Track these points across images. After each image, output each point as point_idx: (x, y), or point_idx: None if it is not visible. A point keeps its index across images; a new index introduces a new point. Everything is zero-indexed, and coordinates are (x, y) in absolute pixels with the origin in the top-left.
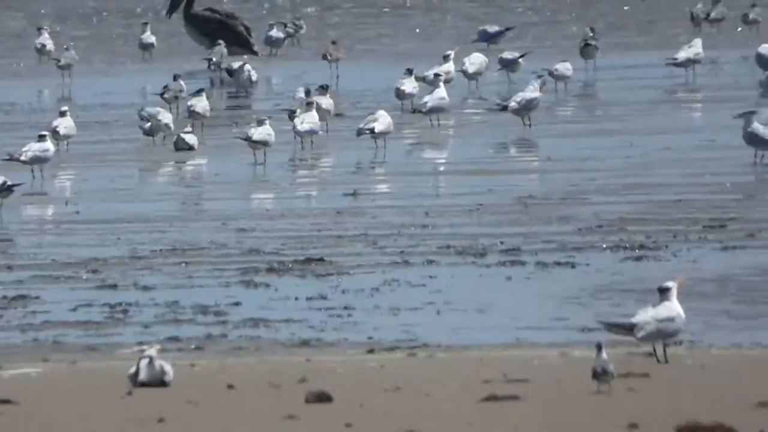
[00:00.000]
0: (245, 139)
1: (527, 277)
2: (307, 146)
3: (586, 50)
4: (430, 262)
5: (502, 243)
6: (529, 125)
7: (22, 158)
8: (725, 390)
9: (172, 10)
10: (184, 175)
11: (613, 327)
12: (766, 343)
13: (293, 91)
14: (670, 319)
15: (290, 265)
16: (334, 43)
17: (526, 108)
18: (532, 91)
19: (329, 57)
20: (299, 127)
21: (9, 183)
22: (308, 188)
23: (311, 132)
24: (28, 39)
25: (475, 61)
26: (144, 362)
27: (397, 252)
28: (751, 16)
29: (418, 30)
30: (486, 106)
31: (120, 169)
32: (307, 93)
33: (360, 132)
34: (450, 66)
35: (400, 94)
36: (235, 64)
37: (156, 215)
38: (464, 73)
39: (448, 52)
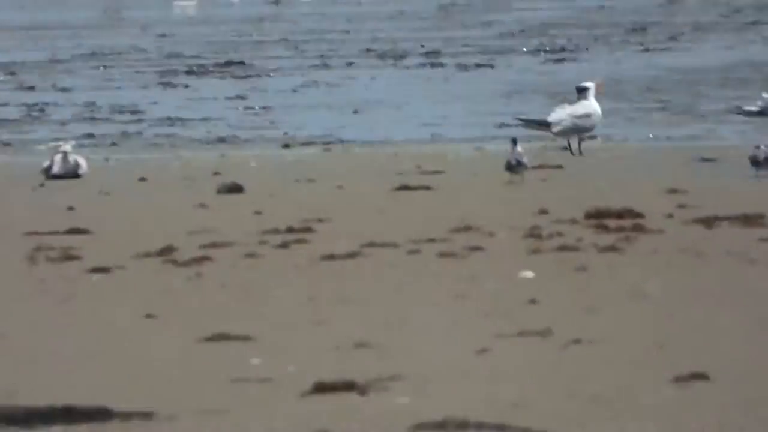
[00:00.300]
0: None
1: (446, 78)
2: None
3: None
4: (350, 64)
5: (422, 47)
6: None
7: None
8: (637, 179)
9: None
10: None
11: (529, 123)
12: (680, 136)
13: None
14: (587, 116)
15: (210, 68)
16: None
17: None
18: None
19: None
20: None
21: None
22: None
23: None
24: None
25: None
26: (58, 156)
27: (317, 56)
28: None
29: None
30: None
31: None
32: None
33: None
34: None
35: None
36: None
37: (76, 22)
38: None
39: None
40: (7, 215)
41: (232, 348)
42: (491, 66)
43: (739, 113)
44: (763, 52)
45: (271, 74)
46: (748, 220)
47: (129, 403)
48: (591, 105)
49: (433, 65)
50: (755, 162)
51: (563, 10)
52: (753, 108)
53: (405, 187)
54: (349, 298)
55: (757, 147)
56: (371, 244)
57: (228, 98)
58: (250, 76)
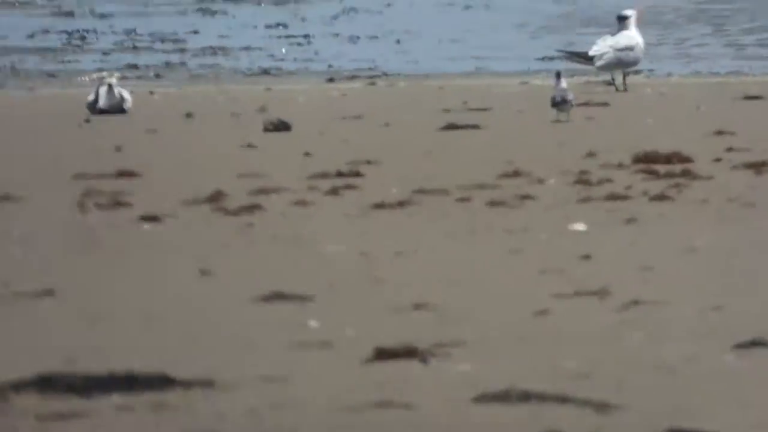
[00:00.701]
0: None
1: (487, 5)
2: None
3: None
4: None
5: None
6: None
7: None
8: (683, 119)
9: None
10: None
11: (572, 56)
12: (724, 72)
13: None
14: (629, 48)
15: None
16: None
17: None
18: None
19: None
20: None
21: None
22: None
23: None
24: None
25: None
26: (103, 89)
27: None
28: None
29: None
30: None
31: None
32: None
33: None
34: None
35: None
36: None
37: None
38: None
39: None
40: (54, 154)
41: (288, 308)
42: None
43: None
44: None
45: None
46: None
47: (188, 369)
48: (633, 36)
49: None
50: None
51: None
52: None
53: (452, 126)
54: (403, 253)
55: None
56: (421, 191)
57: (268, 26)
58: (287, 2)
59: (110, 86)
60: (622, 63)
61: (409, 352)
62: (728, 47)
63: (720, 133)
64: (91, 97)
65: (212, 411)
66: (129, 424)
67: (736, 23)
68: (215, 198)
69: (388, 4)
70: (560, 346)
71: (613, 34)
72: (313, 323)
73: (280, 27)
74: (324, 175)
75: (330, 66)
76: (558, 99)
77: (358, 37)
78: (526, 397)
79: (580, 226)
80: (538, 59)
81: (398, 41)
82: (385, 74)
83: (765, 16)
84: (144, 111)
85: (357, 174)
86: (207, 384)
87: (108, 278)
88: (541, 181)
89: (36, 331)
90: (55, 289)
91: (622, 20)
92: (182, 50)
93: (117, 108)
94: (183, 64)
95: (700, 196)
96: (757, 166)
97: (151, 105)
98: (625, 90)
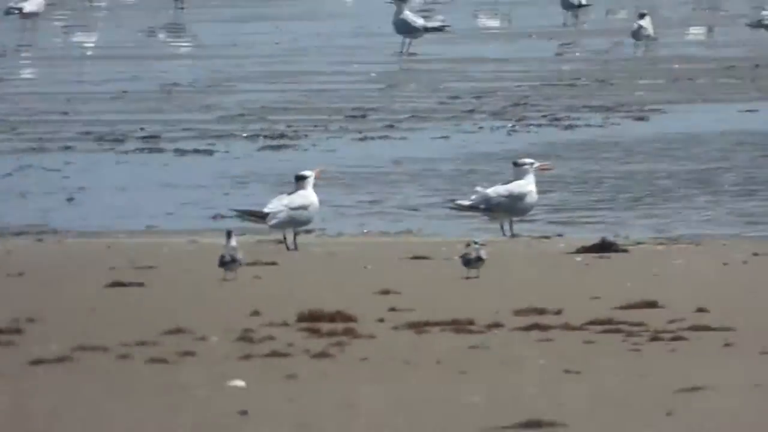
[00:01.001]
0: None
1: (165, 164)
2: None
3: None
4: (67, 148)
5: (142, 130)
6: (182, 9)
7: None
8: (350, 278)
9: None
10: None
11: (246, 215)
12: (394, 232)
13: None
14: (303, 207)
15: None
16: None
17: None
18: None
19: None
20: None
21: None
22: None
23: None
24: None
25: None
26: None
27: (34, 138)
28: None
29: None
30: None
31: None
32: None
33: (8, 11)
34: None
35: None
36: None
37: None
38: None
39: None
40: None
41: None
42: (210, 152)
43: (453, 208)
44: (477, 142)
45: None
46: (458, 325)
47: None
48: (308, 196)
49: (151, 150)
50: (466, 261)
51: (284, 93)
52: (465, 202)
53: (118, 284)
54: (59, 409)
55: (468, 245)
56: (81, 348)
57: None
58: None
59: None
60: (295, 222)
61: None
62: (399, 208)
63: (385, 292)
64: None
65: None
66: None
67: (410, 184)
68: None
69: (67, 162)
70: None
71: (290, 193)
72: None
73: None
74: None
75: None
76: (227, 258)
77: (30, 194)
78: None
79: (238, 383)
80: (210, 218)
81: (71, 198)
82: (54, 231)
83: (438, 182)
84: None
85: (17, 331)
86: None
87: None
88: (203, 338)
89: None
90: None
91: (300, 180)
92: None
93: None
94: None
95: (361, 355)
96: (418, 326)
97: None
98: (296, 249)
